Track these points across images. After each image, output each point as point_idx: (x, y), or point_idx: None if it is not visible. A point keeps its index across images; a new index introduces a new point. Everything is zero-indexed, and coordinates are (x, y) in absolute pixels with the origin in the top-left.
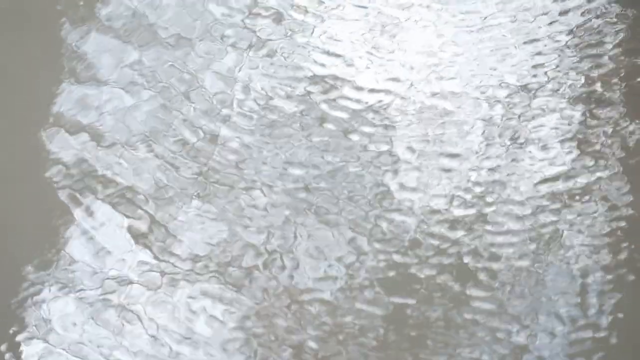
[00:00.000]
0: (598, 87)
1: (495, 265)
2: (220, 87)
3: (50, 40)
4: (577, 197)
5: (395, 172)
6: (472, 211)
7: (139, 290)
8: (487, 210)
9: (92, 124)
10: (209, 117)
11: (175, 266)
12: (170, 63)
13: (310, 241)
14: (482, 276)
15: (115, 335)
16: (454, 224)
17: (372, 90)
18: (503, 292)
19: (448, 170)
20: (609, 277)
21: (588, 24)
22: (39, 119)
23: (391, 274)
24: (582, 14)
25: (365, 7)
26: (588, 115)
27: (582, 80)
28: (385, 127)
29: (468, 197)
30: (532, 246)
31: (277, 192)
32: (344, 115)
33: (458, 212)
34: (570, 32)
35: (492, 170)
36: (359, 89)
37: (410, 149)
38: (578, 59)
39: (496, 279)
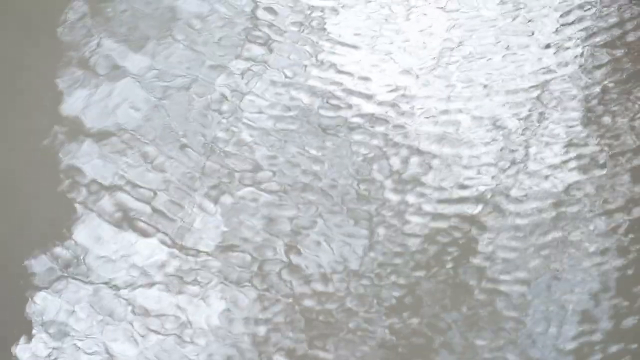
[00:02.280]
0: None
1: None
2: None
3: (53, 41)
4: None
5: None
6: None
7: (149, 287)
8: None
9: (100, 124)
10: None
11: (184, 263)
12: (179, 63)
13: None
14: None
15: (124, 331)
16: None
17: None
18: None
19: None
20: None
21: (602, 16)
22: (44, 122)
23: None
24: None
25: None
26: (602, 112)
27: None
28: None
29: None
30: None
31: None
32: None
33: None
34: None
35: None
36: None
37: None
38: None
39: None
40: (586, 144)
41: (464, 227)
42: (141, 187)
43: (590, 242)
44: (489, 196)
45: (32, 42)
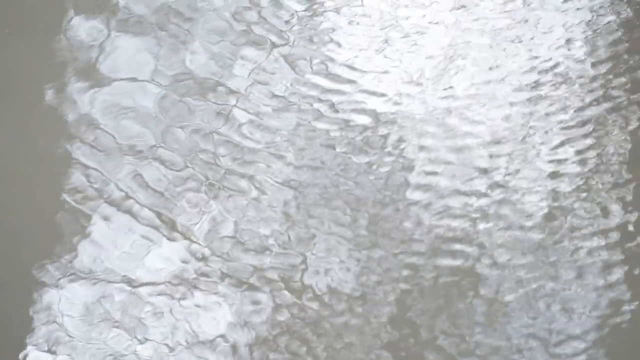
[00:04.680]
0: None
1: None
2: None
3: (55, 40)
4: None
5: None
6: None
7: (151, 290)
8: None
9: (101, 124)
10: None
11: (188, 264)
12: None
13: None
14: None
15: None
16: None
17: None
18: None
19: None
20: None
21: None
22: (46, 122)
23: None
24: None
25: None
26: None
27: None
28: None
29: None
30: None
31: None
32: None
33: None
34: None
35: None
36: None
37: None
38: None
39: None
40: None
41: None
42: (144, 187)
43: None
44: None
45: (32, 42)
